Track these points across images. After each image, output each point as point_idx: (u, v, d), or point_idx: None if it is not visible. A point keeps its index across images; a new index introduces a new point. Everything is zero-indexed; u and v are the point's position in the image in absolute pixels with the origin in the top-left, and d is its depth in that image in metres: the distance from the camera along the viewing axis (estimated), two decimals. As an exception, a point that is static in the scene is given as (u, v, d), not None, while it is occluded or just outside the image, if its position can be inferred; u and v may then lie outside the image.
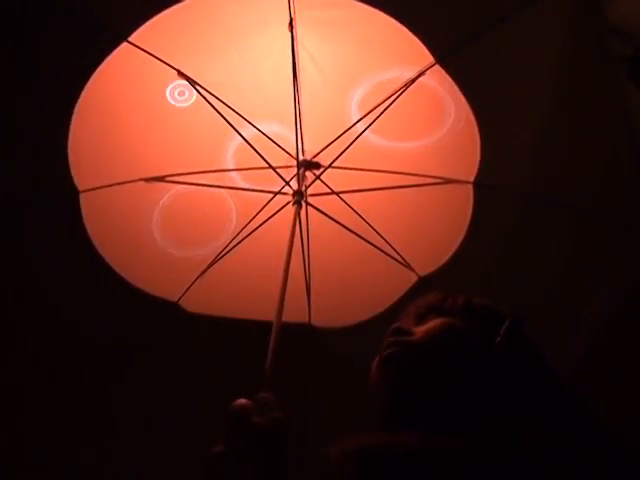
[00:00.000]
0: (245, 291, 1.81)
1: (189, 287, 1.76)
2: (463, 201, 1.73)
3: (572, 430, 0.72)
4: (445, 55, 1.61)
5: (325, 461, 0.75)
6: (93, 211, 1.73)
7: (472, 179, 1.71)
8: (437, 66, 1.62)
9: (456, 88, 1.65)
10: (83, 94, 1.67)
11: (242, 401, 0.73)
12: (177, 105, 1.71)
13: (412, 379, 0.79)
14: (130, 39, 1.61)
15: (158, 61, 1.62)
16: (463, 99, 1.66)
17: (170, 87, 1.69)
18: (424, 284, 1.76)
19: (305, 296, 1.76)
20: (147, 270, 1.78)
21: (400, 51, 1.67)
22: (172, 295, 1.80)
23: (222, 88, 1.66)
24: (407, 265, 1.78)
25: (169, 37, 1.65)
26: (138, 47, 1.61)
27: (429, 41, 1.61)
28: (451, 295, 0.90)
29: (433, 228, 1.80)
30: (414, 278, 1.80)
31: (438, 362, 0.79)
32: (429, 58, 1.62)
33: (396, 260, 1.78)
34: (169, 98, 1.71)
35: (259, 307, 1.75)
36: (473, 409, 0.76)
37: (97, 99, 1.68)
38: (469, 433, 0.71)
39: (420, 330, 0.83)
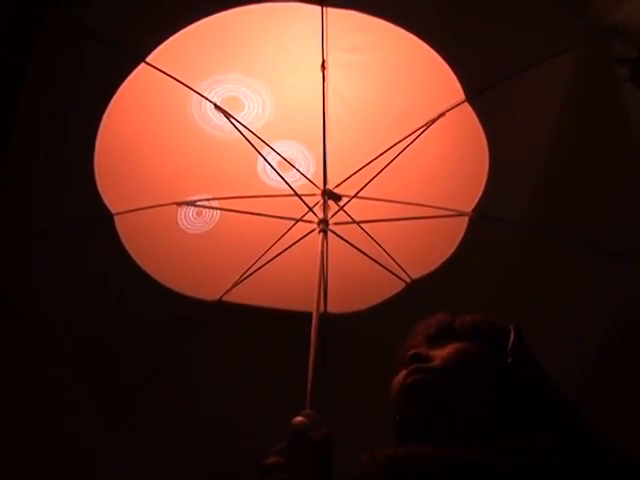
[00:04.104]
0: (271, 286, 2.05)
1: (226, 291, 1.98)
2: (457, 225, 1.98)
3: (582, 442, 0.79)
4: (475, 94, 1.74)
5: (356, 466, 0.83)
6: (128, 230, 1.87)
7: (471, 208, 1.93)
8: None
9: (478, 123, 1.80)
10: (105, 117, 1.74)
11: (300, 419, 0.86)
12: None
13: (436, 403, 0.86)
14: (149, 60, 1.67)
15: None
16: (481, 132, 1.82)
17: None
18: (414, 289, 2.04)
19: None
20: (184, 274, 1.98)
21: (428, 88, 1.81)
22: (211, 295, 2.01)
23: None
24: (403, 270, 2.06)
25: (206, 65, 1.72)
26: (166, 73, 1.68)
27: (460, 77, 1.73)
28: (458, 316, 0.99)
29: (426, 241, 2.05)
30: (406, 280, 2.08)
31: (459, 386, 0.87)
32: (458, 94, 1.75)
33: (390, 271, 2.02)
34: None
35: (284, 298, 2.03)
36: (491, 424, 0.84)
37: (119, 123, 1.75)
38: (488, 447, 0.78)
39: (438, 355, 0.91)
